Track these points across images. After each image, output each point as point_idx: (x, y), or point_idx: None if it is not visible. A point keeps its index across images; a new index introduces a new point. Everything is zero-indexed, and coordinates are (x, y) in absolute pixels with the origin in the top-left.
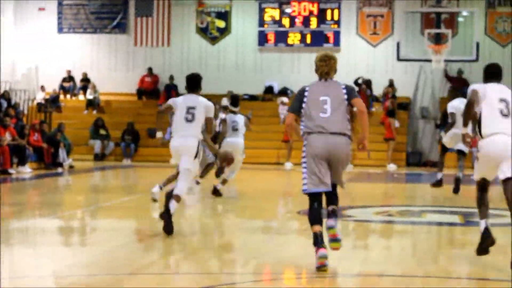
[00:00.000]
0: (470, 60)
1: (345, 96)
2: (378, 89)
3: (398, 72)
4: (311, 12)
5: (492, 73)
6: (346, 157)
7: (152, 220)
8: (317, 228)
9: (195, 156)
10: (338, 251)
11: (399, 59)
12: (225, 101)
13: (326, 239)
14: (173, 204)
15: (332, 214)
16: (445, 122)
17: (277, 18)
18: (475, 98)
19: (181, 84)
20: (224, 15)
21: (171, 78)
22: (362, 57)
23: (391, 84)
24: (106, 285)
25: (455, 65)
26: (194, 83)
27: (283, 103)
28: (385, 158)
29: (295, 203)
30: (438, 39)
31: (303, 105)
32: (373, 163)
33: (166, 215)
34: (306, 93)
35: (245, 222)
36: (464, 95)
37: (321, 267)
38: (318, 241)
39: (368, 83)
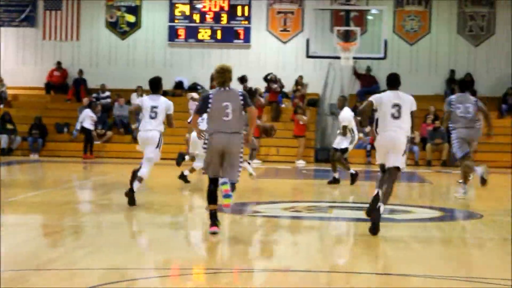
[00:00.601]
0: (378, 57)
1: (242, 103)
2: (288, 86)
3: (307, 69)
4: (221, 8)
5: (390, 83)
6: (237, 151)
7: (59, 215)
8: (212, 207)
9: (157, 146)
10: (229, 208)
11: (308, 56)
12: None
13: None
14: (136, 184)
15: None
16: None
17: (188, 13)
18: (367, 108)
19: (90, 78)
20: (134, 10)
21: (80, 72)
22: (272, 53)
23: (299, 82)
24: (10, 281)
25: (363, 62)
26: (156, 85)
27: (193, 99)
28: (295, 154)
29: (203, 198)
30: (347, 37)
31: (208, 110)
32: (282, 159)
33: (130, 193)
34: (210, 100)
35: (153, 217)
36: (374, 93)
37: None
38: (211, 219)
39: (277, 79)
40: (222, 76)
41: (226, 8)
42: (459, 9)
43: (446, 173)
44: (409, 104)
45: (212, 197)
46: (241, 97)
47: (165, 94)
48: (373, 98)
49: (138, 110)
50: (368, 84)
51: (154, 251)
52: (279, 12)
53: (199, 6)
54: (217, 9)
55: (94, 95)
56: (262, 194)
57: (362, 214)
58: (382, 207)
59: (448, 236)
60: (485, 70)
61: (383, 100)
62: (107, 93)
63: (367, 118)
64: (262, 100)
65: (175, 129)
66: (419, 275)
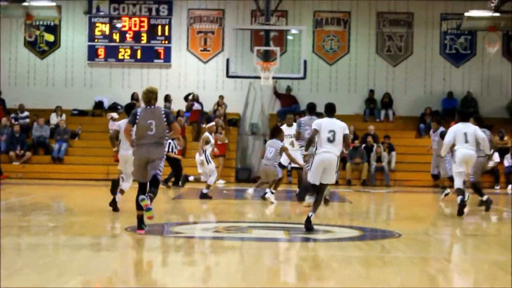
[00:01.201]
0: (298, 77)
1: (164, 119)
2: (208, 105)
3: (228, 89)
4: (141, 28)
5: (327, 111)
6: (158, 158)
7: None
8: (139, 212)
9: None
10: (151, 220)
11: (228, 75)
12: None
13: None
14: (118, 196)
15: (148, 196)
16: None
17: (108, 33)
18: (314, 135)
19: (8, 98)
20: (53, 29)
21: None
22: (192, 73)
23: (219, 101)
24: None
25: (284, 82)
26: (129, 109)
27: (113, 119)
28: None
29: (123, 219)
30: (267, 57)
31: (135, 125)
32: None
33: (113, 204)
34: (138, 116)
35: (71, 239)
36: (292, 111)
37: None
38: (138, 223)
39: (197, 99)
40: (147, 96)
41: (146, 27)
42: (378, 30)
43: (366, 192)
44: (341, 129)
45: (139, 204)
46: (163, 115)
47: (85, 114)
48: (315, 125)
49: (117, 134)
50: (288, 103)
51: (73, 272)
52: (199, 32)
53: (119, 25)
54: (137, 28)
55: (13, 115)
56: (183, 215)
57: (281, 234)
58: (313, 214)
59: (366, 255)
60: (403, 90)
61: (322, 126)
62: (26, 113)
63: (311, 143)
64: (182, 120)
65: (99, 149)
66: None
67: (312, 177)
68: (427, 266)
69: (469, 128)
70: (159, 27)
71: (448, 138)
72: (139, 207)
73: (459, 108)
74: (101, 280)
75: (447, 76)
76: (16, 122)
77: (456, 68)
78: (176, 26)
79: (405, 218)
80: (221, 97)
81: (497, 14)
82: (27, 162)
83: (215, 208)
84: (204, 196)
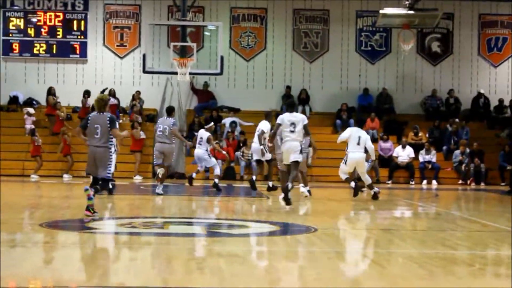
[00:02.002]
0: (215, 73)
1: (108, 124)
2: (125, 101)
3: (145, 84)
4: (57, 22)
5: (288, 107)
6: (103, 158)
7: None
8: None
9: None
10: (93, 207)
11: (145, 71)
12: None
13: None
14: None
15: (92, 188)
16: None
17: (22, 27)
18: (278, 130)
19: None
20: None
21: None
22: (109, 68)
23: (135, 97)
24: None
25: (201, 78)
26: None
27: (29, 114)
28: (132, 170)
29: (38, 215)
30: (183, 52)
31: (87, 129)
32: (119, 174)
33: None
34: (89, 121)
35: None
36: (210, 107)
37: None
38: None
39: (114, 94)
40: (98, 104)
41: (61, 22)
42: (294, 26)
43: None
44: (301, 121)
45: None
46: (108, 120)
47: (0, 109)
48: (279, 120)
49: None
50: (205, 99)
51: None
52: (115, 27)
53: (34, 20)
54: (52, 23)
55: None
56: (99, 210)
57: (198, 230)
58: (290, 185)
59: (282, 250)
60: (319, 86)
61: (284, 120)
62: None
63: (276, 134)
64: None
65: (14, 145)
66: None
67: (283, 161)
68: (342, 261)
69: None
70: (75, 22)
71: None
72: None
73: (374, 104)
74: (16, 276)
75: (362, 72)
76: None
77: (371, 65)
78: (92, 21)
79: (322, 213)
80: (138, 92)
81: (411, 12)
82: None
83: (132, 204)
84: (217, 186)
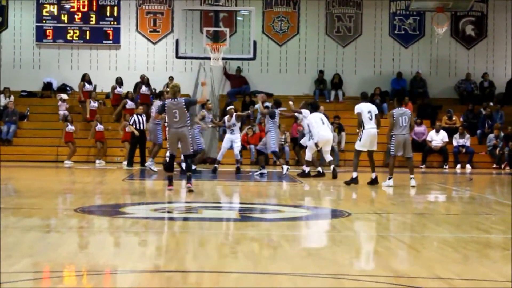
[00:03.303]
0: (248, 58)
1: (185, 107)
2: (158, 87)
3: (177, 70)
4: (90, 8)
5: (364, 97)
6: (185, 138)
7: None
8: (168, 174)
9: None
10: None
11: (178, 56)
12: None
13: None
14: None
15: (188, 178)
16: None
17: (56, 13)
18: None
19: None
20: (1, 10)
21: None
22: (142, 54)
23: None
24: None
25: (234, 63)
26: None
27: (62, 100)
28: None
29: (73, 201)
30: (216, 37)
31: (164, 113)
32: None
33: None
34: (166, 107)
35: (20, 221)
36: (243, 92)
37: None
38: (169, 181)
39: (147, 82)
40: (173, 91)
41: (94, 8)
42: (327, 10)
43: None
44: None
45: (169, 167)
46: (183, 104)
47: (34, 95)
48: (358, 108)
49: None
50: (238, 84)
51: (21, 255)
52: (148, 13)
53: (67, 6)
54: (85, 9)
55: None
56: (132, 196)
57: (232, 214)
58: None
59: (316, 234)
60: (353, 71)
61: (362, 108)
62: None
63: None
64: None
65: (48, 131)
66: (287, 273)
67: (361, 147)
68: (377, 245)
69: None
70: (108, 8)
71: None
72: (168, 169)
73: (408, 88)
74: (50, 262)
75: (396, 56)
76: None
77: (405, 49)
78: (125, 7)
79: (355, 198)
80: (171, 78)
81: None
82: None
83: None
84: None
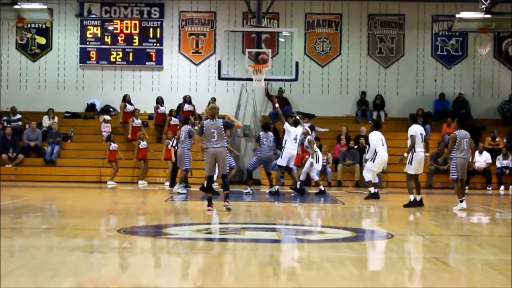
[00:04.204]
0: (290, 79)
1: (222, 127)
2: (201, 107)
3: (220, 91)
4: (133, 30)
5: (414, 119)
6: (223, 157)
7: None
8: (208, 194)
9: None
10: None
11: (220, 78)
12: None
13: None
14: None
15: (226, 196)
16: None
17: (99, 35)
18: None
19: (2, 101)
20: (45, 32)
21: None
22: (185, 75)
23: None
24: None
25: (276, 84)
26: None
27: (105, 121)
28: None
29: (116, 221)
30: (258, 59)
31: (203, 133)
32: (194, 181)
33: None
34: (204, 127)
35: (64, 241)
36: (285, 113)
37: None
38: (208, 202)
39: (189, 100)
40: (211, 112)
41: (138, 30)
42: (369, 31)
43: (358, 193)
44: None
45: (208, 188)
46: (221, 124)
47: (77, 116)
48: (413, 131)
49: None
50: (280, 105)
51: (66, 274)
52: (191, 34)
53: (110, 28)
54: (128, 31)
55: (5, 118)
56: (176, 216)
57: (273, 235)
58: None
59: (359, 256)
60: (395, 92)
61: (416, 131)
62: (18, 116)
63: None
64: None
65: (91, 152)
66: None
67: (412, 170)
68: (420, 267)
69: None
70: (151, 30)
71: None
72: (207, 190)
73: (451, 109)
74: (94, 281)
75: (438, 77)
76: (8, 125)
77: (447, 70)
78: (167, 28)
79: (398, 219)
80: (213, 99)
81: (488, 16)
82: (20, 165)
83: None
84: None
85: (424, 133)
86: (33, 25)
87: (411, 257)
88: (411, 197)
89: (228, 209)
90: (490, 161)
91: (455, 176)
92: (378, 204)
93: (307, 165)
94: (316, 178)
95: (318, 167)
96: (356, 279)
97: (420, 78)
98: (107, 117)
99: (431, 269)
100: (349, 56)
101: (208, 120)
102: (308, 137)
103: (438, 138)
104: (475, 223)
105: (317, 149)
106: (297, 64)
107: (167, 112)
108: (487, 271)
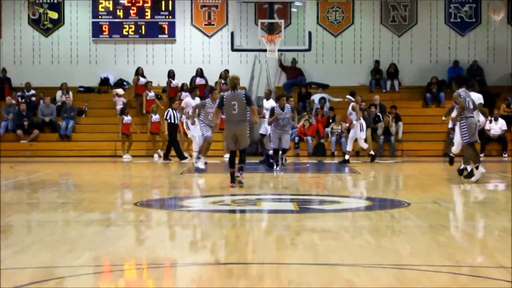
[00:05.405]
0: (303, 49)
1: (245, 101)
2: (214, 79)
3: (233, 62)
4: (145, 3)
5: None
6: (244, 132)
7: None
8: (231, 169)
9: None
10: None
11: (233, 49)
12: None
13: None
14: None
15: (240, 169)
16: None
17: (111, 9)
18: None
19: (14, 77)
20: (57, 6)
21: (4, 71)
22: (197, 47)
23: (223, 75)
24: None
25: (289, 54)
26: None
27: (118, 95)
28: (222, 148)
29: (132, 195)
30: (271, 29)
31: (223, 106)
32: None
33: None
34: (224, 99)
35: (81, 215)
36: (299, 83)
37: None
38: (231, 178)
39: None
40: (232, 82)
41: (149, 2)
42: (382, 0)
43: (374, 162)
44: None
45: (231, 163)
46: (244, 97)
47: (91, 90)
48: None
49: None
50: (294, 76)
51: (83, 248)
52: (203, 6)
53: (122, 1)
54: (140, 4)
55: (19, 93)
56: (189, 189)
57: (290, 206)
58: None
59: (376, 225)
60: (409, 60)
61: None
62: (32, 92)
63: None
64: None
65: (106, 126)
66: (348, 264)
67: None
68: (437, 235)
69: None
70: (163, 2)
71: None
72: (231, 165)
73: (465, 77)
74: (111, 255)
75: (452, 45)
76: (23, 101)
77: (461, 37)
78: (179, 1)
79: (414, 188)
80: (226, 71)
81: None
82: (35, 140)
83: (223, 182)
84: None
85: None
86: (45, 0)
87: (428, 225)
88: (469, 168)
89: (240, 182)
90: (505, 128)
91: (467, 139)
92: (394, 173)
93: (351, 134)
94: (365, 145)
95: (362, 135)
96: (373, 248)
97: (433, 46)
98: (120, 91)
99: (448, 236)
100: (362, 25)
101: (229, 91)
102: (352, 104)
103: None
104: (491, 190)
105: (361, 118)
106: (310, 34)
107: (179, 85)
108: (504, 238)
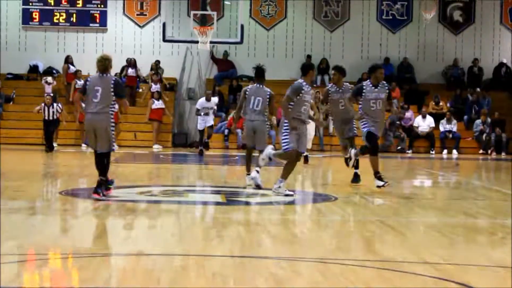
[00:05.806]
0: (235, 42)
1: (112, 88)
2: (145, 70)
3: (165, 53)
4: None
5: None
6: (104, 128)
7: None
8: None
9: None
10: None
11: (165, 40)
12: None
13: None
14: None
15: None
16: None
17: None
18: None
19: None
20: None
21: None
22: (129, 37)
23: (153, 66)
24: None
25: (221, 47)
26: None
27: (47, 83)
28: (151, 139)
29: (58, 183)
30: (204, 21)
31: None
32: (139, 143)
33: None
34: (88, 83)
35: (4, 203)
36: (230, 76)
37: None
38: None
39: (134, 63)
40: (102, 64)
41: None
42: None
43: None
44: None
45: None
46: (112, 84)
47: (20, 78)
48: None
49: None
50: (225, 68)
51: (5, 236)
52: None
53: None
54: None
55: None
56: (118, 179)
57: (217, 198)
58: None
59: (302, 218)
60: (340, 56)
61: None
62: None
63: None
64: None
65: (34, 114)
66: (273, 257)
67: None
68: (363, 229)
69: None
70: None
71: None
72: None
73: (395, 74)
74: (35, 244)
75: (383, 42)
76: None
77: (392, 34)
78: None
79: (341, 182)
80: (157, 62)
81: None
82: None
83: (151, 172)
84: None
85: None
86: None
87: (353, 220)
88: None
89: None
90: (433, 125)
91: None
92: (322, 168)
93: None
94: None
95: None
96: (299, 241)
97: (365, 42)
98: (50, 79)
99: (373, 231)
100: (295, 19)
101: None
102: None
103: None
104: (418, 186)
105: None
106: (242, 27)
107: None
108: (429, 233)
